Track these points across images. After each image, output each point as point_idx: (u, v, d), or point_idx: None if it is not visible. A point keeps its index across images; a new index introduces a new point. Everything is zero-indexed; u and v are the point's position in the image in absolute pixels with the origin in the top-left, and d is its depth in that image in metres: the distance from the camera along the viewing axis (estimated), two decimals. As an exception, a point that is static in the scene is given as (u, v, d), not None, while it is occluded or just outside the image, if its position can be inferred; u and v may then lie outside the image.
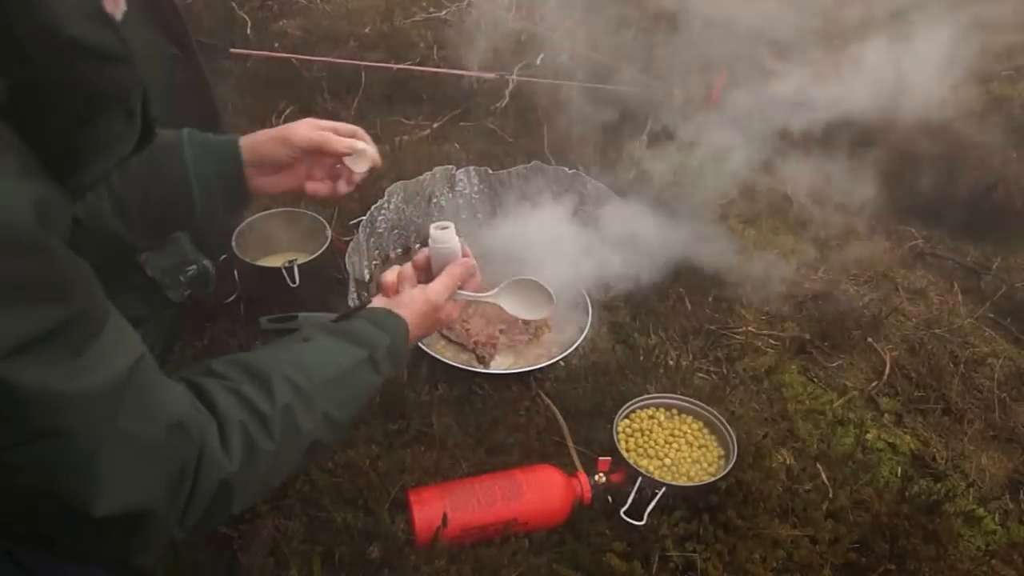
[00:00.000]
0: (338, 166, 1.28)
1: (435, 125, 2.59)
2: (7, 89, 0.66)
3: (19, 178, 0.66)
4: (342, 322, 1.09)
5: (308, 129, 1.22)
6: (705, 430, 1.57)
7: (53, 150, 0.70)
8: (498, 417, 1.56)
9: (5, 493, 0.72)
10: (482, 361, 1.73)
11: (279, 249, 1.86)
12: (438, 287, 1.19)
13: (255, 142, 1.22)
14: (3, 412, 0.66)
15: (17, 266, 0.64)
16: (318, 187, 1.28)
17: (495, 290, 1.32)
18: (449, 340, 1.77)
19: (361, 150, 1.24)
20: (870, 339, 1.92)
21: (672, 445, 1.52)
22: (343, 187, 1.29)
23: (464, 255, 1.25)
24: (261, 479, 0.89)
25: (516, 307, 1.32)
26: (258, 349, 1.01)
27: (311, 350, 1.00)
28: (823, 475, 1.56)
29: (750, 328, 1.92)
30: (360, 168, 1.25)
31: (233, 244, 1.73)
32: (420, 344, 1.65)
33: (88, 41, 0.68)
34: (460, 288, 1.24)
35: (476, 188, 1.98)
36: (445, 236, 1.21)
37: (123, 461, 0.74)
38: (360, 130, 1.28)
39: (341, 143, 1.23)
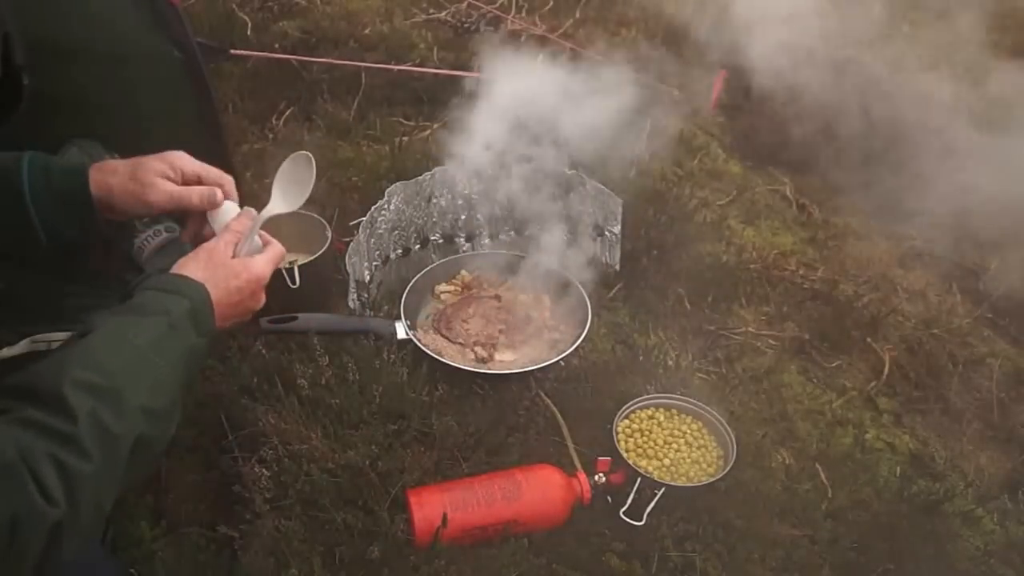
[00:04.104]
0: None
1: (435, 126, 2.59)
2: None
3: None
4: (125, 302, 0.95)
5: (166, 189, 1.09)
6: (704, 430, 1.57)
7: None
8: (498, 417, 1.56)
9: None
10: (482, 361, 1.73)
11: (279, 250, 1.86)
12: (217, 242, 1.06)
13: (109, 187, 1.08)
14: None
15: None
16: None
17: (268, 205, 1.20)
18: (449, 340, 1.78)
19: (220, 206, 1.13)
20: (869, 339, 1.92)
21: (671, 445, 1.53)
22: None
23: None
24: (92, 506, 0.79)
25: (291, 199, 1.22)
26: (37, 362, 0.85)
27: (97, 340, 0.87)
28: (822, 475, 1.56)
29: (749, 328, 1.92)
30: (220, 228, 1.13)
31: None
32: (420, 344, 1.66)
33: None
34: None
35: (475, 189, 1.98)
36: (232, 207, 1.15)
37: None
38: (228, 180, 1.16)
39: (199, 199, 1.12)
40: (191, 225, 1.18)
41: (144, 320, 0.90)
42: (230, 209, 1.14)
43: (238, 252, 1.07)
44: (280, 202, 1.21)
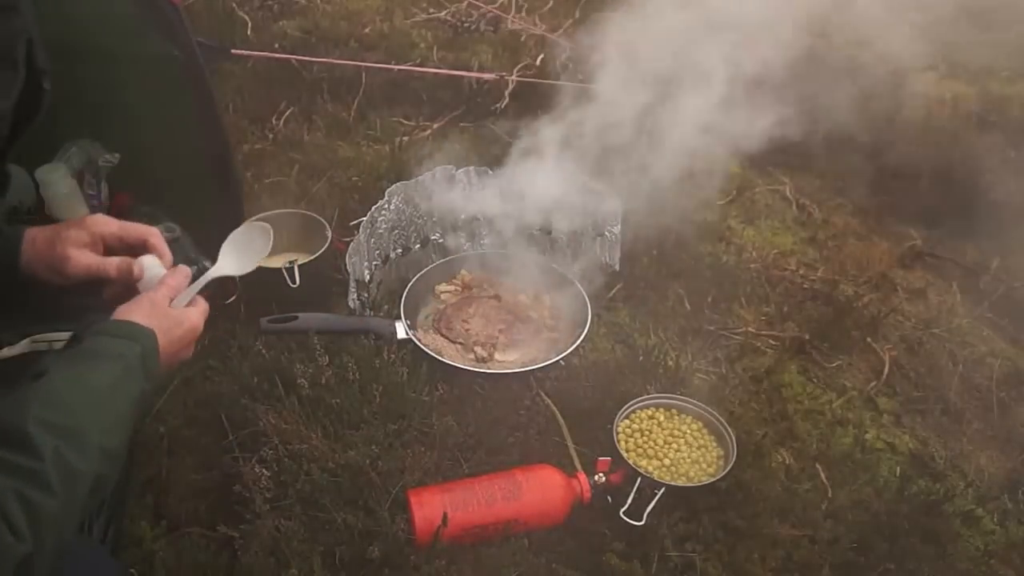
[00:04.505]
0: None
1: (435, 126, 2.59)
2: None
3: None
4: (77, 345, 0.95)
5: (82, 263, 1.07)
6: (704, 430, 1.57)
7: None
8: (498, 417, 1.56)
9: None
10: (482, 361, 1.73)
11: (279, 249, 1.86)
12: (156, 293, 1.04)
13: (29, 259, 1.08)
14: None
15: None
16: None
17: (215, 265, 1.18)
18: (449, 340, 1.78)
19: (144, 275, 1.08)
20: (869, 339, 1.92)
21: (672, 445, 1.53)
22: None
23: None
24: (54, 542, 0.79)
25: (240, 263, 1.19)
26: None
27: (57, 381, 0.88)
28: (822, 475, 1.56)
29: (749, 328, 1.92)
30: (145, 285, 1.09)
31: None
32: (420, 344, 1.66)
33: None
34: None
35: (476, 188, 1.98)
36: (153, 263, 1.11)
37: None
38: (153, 234, 1.12)
39: (116, 271, 1.08)
40: (113, 286, 1.12)
41: (101, 363, 0.91)
42: (153, 264, 1.10)
43: (174, 305, 1.06)
44: (226, 263, 1.18)
